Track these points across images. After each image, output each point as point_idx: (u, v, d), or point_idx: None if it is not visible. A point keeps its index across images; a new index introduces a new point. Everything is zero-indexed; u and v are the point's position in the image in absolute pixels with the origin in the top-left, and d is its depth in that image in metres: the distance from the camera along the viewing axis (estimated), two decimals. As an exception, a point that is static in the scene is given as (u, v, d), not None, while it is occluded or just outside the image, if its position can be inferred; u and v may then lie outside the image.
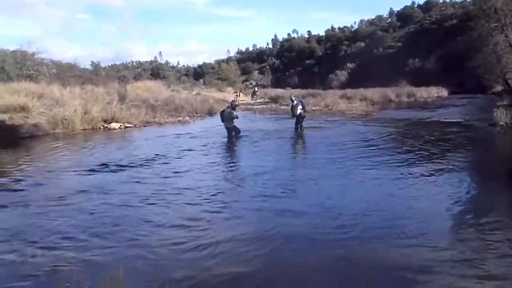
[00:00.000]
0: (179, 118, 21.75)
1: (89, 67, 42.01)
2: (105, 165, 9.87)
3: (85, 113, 17.90)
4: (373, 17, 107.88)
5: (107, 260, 4.55)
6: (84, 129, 17.24)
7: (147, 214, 6.16)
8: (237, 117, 14.72)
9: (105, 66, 73.07)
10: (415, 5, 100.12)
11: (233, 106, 14.80)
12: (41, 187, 7.99)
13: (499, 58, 28.26)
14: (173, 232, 5.43)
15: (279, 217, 5.91)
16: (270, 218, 5.93)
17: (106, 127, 17.99)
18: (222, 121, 14.61)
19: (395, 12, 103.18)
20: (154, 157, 10.85)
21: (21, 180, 8.55)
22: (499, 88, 34.72)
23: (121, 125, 18.35)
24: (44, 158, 11.48)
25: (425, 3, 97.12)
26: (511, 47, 26.17)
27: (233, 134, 14.40)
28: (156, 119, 20.56)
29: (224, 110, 14.79)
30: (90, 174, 9.07)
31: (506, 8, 25.65)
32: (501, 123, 15.61)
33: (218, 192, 7.35)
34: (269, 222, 5.70)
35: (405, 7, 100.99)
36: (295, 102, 15.82)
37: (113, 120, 18.45)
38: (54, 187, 7.96)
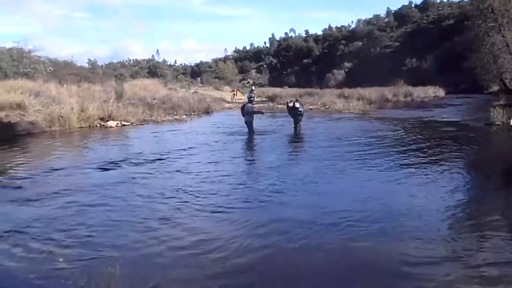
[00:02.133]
0: (176, 117, 21.68)
1: (86, 65, 42.05)
2: (106, 162, 9.84)
3: (81, 111, 17.79)
4: (371, 16, 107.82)
5: (105, 256, 4.53)
6: (81, 127, 17.15)
7: (149, 212, 6.15)
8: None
9: (102, 64, 73.13)
10: (413, 5, 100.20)
11: (250, 100, 15.20)
12: (40, 184, 7.92)
13: (495, 58, 28.34)
14: (172, 230, 5.43)
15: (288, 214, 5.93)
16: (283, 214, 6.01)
17: (103, 125, 17.92)
18: (243, 115, 14.92)
19: (393, 11, 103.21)
20: (154, 155, 10.79)
21: (20, 178, 8.47)
22: (495, 88, 34.80)
23: (118, 123, 18.28)
24: (43, 156, 11.41)
25: (422, 3, 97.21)
26: (507, 47, 26.26)
27: (252, 127, 14.71)
28: (153, 118, 20.48)
29: (244, 105, 15.07)
30: (93, 172, 9.03)
31: (503, 8, 25.71)
32: (497, 122, 15.69)
33: (229, 189, 7.41)
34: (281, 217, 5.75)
35: (403, 6, 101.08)
36: (297, 104, 15.55)
37: (110, 118, 18.37)
38: (54, 184, 7.87)
